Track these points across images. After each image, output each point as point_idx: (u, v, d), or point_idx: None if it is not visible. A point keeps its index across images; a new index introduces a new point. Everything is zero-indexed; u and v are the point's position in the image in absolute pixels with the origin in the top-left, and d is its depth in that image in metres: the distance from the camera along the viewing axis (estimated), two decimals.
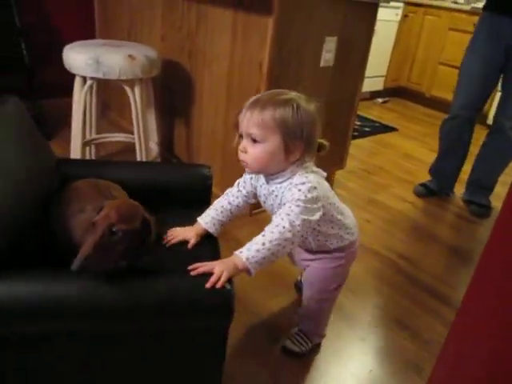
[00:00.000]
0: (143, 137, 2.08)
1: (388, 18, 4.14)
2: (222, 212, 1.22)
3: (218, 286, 0.93)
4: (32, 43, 2.71)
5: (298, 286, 1.68)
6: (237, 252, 1.02)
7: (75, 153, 2.08)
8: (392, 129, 3.80)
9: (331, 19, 2.03)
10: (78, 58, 1.91)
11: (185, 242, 1.17)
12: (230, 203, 1.24)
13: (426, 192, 2.63)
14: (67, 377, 1.00)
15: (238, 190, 1.25)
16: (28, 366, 0.96)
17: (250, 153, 1.05)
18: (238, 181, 1.27)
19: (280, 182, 1.09)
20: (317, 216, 1.05)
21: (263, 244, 1.00)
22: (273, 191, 1.12)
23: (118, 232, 0.88)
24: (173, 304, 0.93)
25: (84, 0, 3.13)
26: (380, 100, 4.59)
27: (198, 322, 0.98)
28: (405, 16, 4.36)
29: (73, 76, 1.98)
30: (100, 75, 1.91)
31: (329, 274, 1.27)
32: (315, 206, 1.04)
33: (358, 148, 3.22)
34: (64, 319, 0.88)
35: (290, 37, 1.88)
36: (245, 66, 1.96)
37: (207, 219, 1.21)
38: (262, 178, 1.17)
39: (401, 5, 4.28)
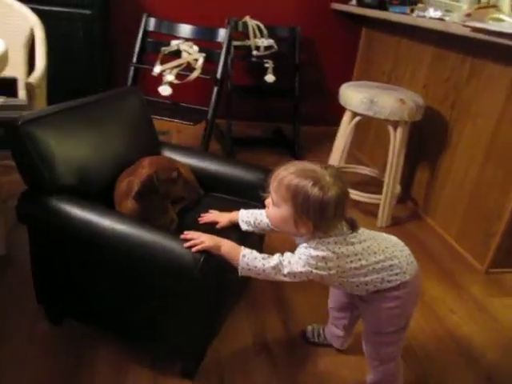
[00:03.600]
0: (393, 175, 2.23)
1: None
2: (260, 221, 1.30)
3: (193, 250, 1.10)
4: (302, 77, 3.16)
5: (306, 336, 1.57)
6: (243, 247, 1.14)
7: None
8: None
9: None
10: (354, 95, 2.18)
11: (216, 223, 1.35)
12: (268, 225, 1.26)
13: None
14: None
15: None
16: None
17: (268, 211, 1.14)
18: None
19: (299, 242, 1.14)
20: (326, 273, 1.08)
21: (263, 258, 1.11)
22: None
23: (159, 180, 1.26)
24: (154, 253, 1.14)
25: (351, 42, 3.47)
26: None
27: (170, 277, 1.17)
28: None
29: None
30: (370, 113, 2.13)
31: (383, 314, 1.19)
32: (322, 264, 1.07)
33: None
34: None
35: None
36: None
37: (246, 214, 1.33)
38: None
39: None
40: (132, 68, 2.58)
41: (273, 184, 1.09)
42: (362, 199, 2.37)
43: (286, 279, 1.11)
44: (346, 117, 2.27)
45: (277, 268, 1.10)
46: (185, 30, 2.58)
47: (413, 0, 2.75)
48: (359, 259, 1.11)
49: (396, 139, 2.19)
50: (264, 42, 3.03)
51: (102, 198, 1.35)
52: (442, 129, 2.41)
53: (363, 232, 1.17)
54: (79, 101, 1.44)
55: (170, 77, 2.34)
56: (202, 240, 1.13)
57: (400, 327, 1.21)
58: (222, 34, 2.51)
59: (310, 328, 1.58)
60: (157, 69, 2.38)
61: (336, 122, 2.35)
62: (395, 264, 1.14)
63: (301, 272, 1.08)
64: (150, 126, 1.70)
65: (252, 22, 3.03)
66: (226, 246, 1.15)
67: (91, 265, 1.31)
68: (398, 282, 1.14)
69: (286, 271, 1.09)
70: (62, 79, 2.36)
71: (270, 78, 2.99)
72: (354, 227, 1.13)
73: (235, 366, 1.44)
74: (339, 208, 1.05)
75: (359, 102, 2.15)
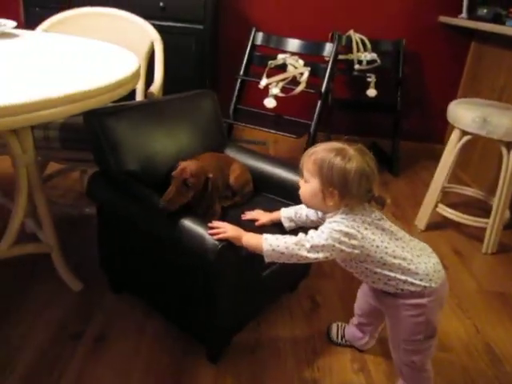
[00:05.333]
0: (504, 199, 2.10)
1: None
2: (301, 214, 1.36)
3: (214, 237, 1.16)
4: (404, 92, 3.10)
5: (330, 336, 1.58)
6: (264, 234, 1.18)
7: (432, 194, 2.29)
8: None
9: None
10: (465, 114, 2.10)
11: (257, 221, 1.43)
12: (306, 216, 1.35)
13: None
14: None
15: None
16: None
17: (300, 190, 1.19)
18: None
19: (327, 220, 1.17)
20: (349, 250, 1.10)
21: (284, 237, 1.14)
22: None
23: (189, 183, 1.29)
24: (182, 235, 1.23)
25: (458, 57, 3.33)
26: None
27: (192, 258, 1.25)
28: None
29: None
30: (483, 133, 2.03)
31: (409, 322, 1.18)
32: (345, 240, 1.08)
33: None
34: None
35: None
36: None
37: (286, 211, 1.39)
38: None
39: None
40: (239, 80, 2.69)
41: (303, 162, 1.17)
42: (465, 221, 2.27)
43: (310, 255, 1.11)
44: (455, 135, 2.19)
45: (299, 243, 1.12)
46: (292, 44, 2.64)
47: None
48: (385, 247, 1.12)
49: (509, 161, 2.07)
50: (367, 56, 3.01)
51: (161, 186, 1.47)
52: None
53: (397, 229, 1.18)
54: (156, 99, 1.60)
55: (275, 90, 2.41)
56: (225, 230, 1.19)
57: (427, 335, 1.19)
58: (328, 48, 2.54)
59: (334, 329, 1.58)
60: (263, 81, 2.46)
61: (438, 139, 2.26)
62: (421, 269, 1.14)
63: (323, 245, 1.09)
64: (219, 127, 1.79)
65: (356, 36, 3.02)
66: (247, 236, 1.20)
67: (137, 239, 1.47)
68: (420, 288, 1.13)
69: (308, 245, 1.10)
70: (174, 90, 2.53)
71: (371, 92, 2.96)
72: (382, 205, 1.15)
73: (265, 361, 1.48)
74: (363, 180, 1.08)
75: (470, 121, 2.06)
